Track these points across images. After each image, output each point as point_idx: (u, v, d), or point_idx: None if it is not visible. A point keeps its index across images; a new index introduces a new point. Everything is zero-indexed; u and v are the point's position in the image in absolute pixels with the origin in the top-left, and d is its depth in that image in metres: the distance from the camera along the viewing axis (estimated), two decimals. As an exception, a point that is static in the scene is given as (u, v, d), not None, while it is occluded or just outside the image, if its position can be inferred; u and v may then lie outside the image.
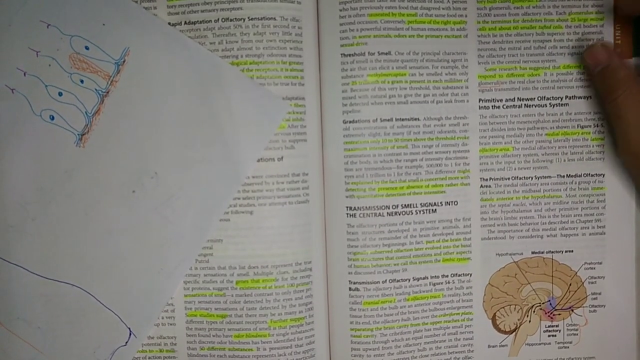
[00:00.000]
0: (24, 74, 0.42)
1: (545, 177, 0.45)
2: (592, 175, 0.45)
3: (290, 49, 0.42)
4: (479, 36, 0.44)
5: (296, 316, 0.43)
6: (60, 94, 0.42)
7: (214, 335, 0.43)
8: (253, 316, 0.43)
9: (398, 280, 0.44)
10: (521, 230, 0.45)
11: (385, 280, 0.44)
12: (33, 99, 0.42)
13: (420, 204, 0.44)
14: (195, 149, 0.42)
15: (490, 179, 0.45)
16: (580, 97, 0.44)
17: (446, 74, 0.44)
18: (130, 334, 0.43)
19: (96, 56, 0.42)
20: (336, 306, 0.44)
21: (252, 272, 0.43)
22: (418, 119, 0.43)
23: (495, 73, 0.44)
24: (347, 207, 0.44)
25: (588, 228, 0.45)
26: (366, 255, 0.44)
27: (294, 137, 0.42)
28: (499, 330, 0.46)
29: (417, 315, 0.45)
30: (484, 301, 0.45)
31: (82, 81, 0.42)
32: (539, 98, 0.44)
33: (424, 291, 0.45)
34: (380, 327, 0.44)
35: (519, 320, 0.46)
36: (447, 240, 0.45)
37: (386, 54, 0.43)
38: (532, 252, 0.45)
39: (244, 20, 0.41)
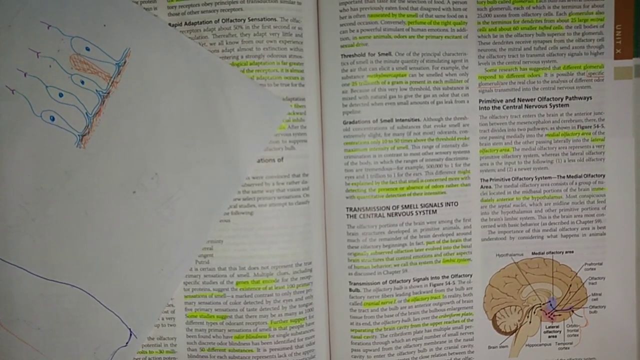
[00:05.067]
0: (25, 75, 0.42)
1: (545, 177, 0.45)
2: (592, 176, 0.45)
3: (291, 49, 0.42)
4: (479, 37, 0.44)
5: (296, 317, 0.43)
6: (60, 95, 0.42)
7: (214, 336, 0.43)
8: (253, 317, 0.43)
9: (398, 281, 0.44)
10: (521, 231, 0.45)
11: (386, 281, 0.44)
12: (33, 99, 0.42)
13: (421, 205, 0.44)
14: (196, 150, 0.42)
15: (490, 179, 0.45)
16: (580, 98, 0.44)
17: (446, 75, 0.44)
18: (130, 335, 0.43)
19: (97, 57, 0.42)
20: (336, 307, 0.44)
21: (252, 273, 0.42)
22: (418, 120, 0.43)
23: (496, 74, 0.44)
24: (347, 208, 0.43)
25: (588, 229, 0.45)
26: (366, 256, 0.44)
27: (294, 137, 0.42)
28: (500, 331, 0.46)
29: (417, 316, 0.45)
30: (484, 302, 0.45)
31: (82, 82, 0.42)
32: (539, 99, 0.44)
33: (424, 292, 0.45)
34: (380, 328, 0.44)
35: (519, 321, 0.46)
36: (447, 241, 0.45)
37: (386, 54, 0.43)
38: (533, 253, 0.45)
39: (244, 21, 0.41)
